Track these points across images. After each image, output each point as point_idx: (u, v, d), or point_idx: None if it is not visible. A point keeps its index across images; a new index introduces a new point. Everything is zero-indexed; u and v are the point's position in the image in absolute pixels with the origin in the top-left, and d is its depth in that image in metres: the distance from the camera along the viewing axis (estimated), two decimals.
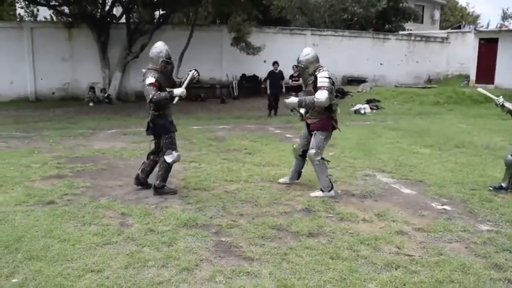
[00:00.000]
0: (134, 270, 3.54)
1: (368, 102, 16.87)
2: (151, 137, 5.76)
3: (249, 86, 19.45)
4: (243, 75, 19.72)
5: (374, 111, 15.84)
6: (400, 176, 6.61)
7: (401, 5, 26.65)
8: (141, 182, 5.76)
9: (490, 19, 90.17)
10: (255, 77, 19.69)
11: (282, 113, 14.34)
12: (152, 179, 5.68)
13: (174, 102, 5.41)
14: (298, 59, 5.59)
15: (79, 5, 16.58)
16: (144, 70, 5.53)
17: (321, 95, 5.27)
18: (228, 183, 5.99)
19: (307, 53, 5.59)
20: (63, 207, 4.98)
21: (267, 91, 14.51)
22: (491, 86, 21.04)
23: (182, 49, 17.37)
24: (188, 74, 5.65)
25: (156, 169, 5.63)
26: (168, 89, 5.46)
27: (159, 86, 5.32)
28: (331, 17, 25.66)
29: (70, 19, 17.80)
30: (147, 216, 4.72)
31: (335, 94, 5.68)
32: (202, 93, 18.13)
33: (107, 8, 17.53)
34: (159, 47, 5.50)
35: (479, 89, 6.51)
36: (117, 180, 6.20)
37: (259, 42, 18.20)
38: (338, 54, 21.70)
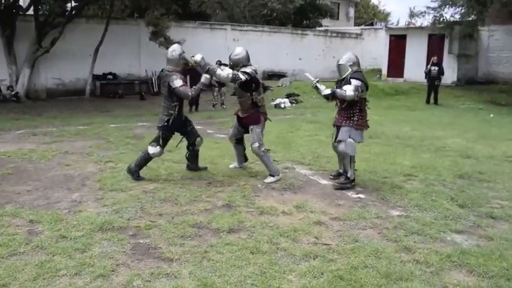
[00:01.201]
0: (44, 281, 3.32)
1: (288, 96, 17.25)
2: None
3: None
4: (163, 70, 19.26)
5: (293, 105, 16.23)
6: (318, 167, 6.81)
7: (318, 1, 27.53)
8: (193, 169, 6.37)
9: (399, 17, 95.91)
10: None
11: (204, 109, 14.26)
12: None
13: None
14: (229, 57, 6.04)
15: None
16: (163, 73, 6.01)
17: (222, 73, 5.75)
18: (147, 183, 5.80)
19: (237, 53, 5.99)
20: None
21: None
22: (400, 80, 22.46)
23: (97, 43, 16.62)
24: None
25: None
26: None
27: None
28: (251, 12, 25.88)
29: None
30: (59, 222, 4.44)
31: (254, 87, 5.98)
32: (120, 89, 17.48)
33: None
34: (178, 49, 6.01)
35: (306, 74, 6.76)
36: (25, 185, 5.76)
37: (179, 37, 17.82)
38: (258, 49, 21.85)
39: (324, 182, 6.06)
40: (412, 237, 4.22)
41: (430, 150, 8.30)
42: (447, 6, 19.84)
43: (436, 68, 17.11)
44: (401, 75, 22.92)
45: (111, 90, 17.23)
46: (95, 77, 17.21)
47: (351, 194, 5.55)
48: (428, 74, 17.30)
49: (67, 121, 11.43)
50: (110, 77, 17.88)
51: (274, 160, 7.14)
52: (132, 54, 18.69)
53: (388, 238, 4.21)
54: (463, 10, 19.61)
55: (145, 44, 18.26)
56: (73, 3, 17.24)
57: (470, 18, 19.59)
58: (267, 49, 22.30)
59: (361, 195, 5.48)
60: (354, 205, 5.11)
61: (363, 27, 30.35)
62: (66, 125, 10.74)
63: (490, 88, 20.81)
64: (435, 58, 17.49)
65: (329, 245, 4.03)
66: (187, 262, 3.65)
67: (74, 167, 6.63)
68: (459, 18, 19.99)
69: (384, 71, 23.80)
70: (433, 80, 17.17)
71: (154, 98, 17.44)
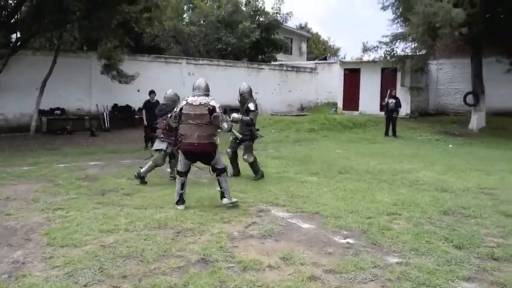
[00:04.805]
0: None
1: None
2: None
3: (122, 116, 18.21)
4: (115, 105, 18.40)
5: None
6: (295, 209, 6.22)
7: (272, 36, 27.73)
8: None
9: (346, 52, 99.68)
10: (128, 107, 18.53)
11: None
12: None
13: None
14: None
15: None
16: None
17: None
18: (105, 235, 4.94)
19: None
20: None
21: (143, 122, 13.55)
22: (356, 112, 22.63)
23: (45, 77, 15.57)
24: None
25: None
26: None
27: None
28: (206, 47, 25.60)
29: None
30: None
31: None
32: (69, 125, 16.40)
33: None
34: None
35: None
36: None
37: (133, 71, 17.16)
38: (214, 83, 21.31)
39: (305, 225, 5.46)
40: None
41: (405, 185, 7.97)
42: (398, 41, 20.38)
43: (394, 101, 17.29)
44: (356, 108, 23.14)
45: (59, 126, 16.13)
46: (41, 112, 16.08)
47: (338, 238, 4.99)
48: (385, 106, 17.44)
49: (9, 161, 10.32)
50: (58, 112, 16.82)
51: (245, 202, 6.55)
52: (82, 88, 17.74)
53: None
54: (414, 45, 20.17)
55: (96, 78, 17.40)
56: (18, 34, 16.22)
57: (421, 53, 20.15)
58: (223, 83, 21.87)
59: (350, 240, 4.93)
60: (345, 252, 4.53)
61: (317, 61, 30.74)
62: (8, 165, 9.65)
63: (441, 119, 21.31)
64: (394, 91, 17.70)
65: None
66: None
67: (16, 217, 5.68)
68: (410, 52, 20.54)
69: (340, 104, 23.97)
70: (391, 113, 17.31)
71: (107, 134, 16.52)
